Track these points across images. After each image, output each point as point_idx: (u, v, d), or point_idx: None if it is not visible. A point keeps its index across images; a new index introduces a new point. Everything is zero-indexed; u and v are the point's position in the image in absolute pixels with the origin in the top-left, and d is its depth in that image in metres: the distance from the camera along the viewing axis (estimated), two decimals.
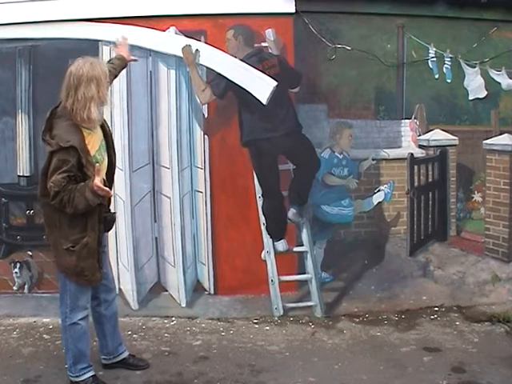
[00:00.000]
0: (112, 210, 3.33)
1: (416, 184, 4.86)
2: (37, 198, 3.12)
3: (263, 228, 4.46)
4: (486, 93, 4.80)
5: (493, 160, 4.81)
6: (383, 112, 4.81)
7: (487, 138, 4.83)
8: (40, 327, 4.13)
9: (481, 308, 4.48)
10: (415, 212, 4.87)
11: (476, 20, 4.67)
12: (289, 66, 4.43)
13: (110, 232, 3.34)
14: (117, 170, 4.28)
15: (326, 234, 4.74)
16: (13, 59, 4.51)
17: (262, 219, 4.46)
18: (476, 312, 4.41)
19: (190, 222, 4.60)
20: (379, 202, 4.80)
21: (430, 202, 4.97)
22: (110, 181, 3.20)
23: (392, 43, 4.69)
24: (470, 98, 4.82)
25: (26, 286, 4.58)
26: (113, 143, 3.22)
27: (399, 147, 4.88)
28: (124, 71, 4.24)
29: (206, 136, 4.55)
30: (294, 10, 4.35)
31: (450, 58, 4.72)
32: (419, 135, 4.87)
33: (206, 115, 4.55)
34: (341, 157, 4.68)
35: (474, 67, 4.76)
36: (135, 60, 3.73)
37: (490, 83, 4.78)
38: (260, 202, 4.46)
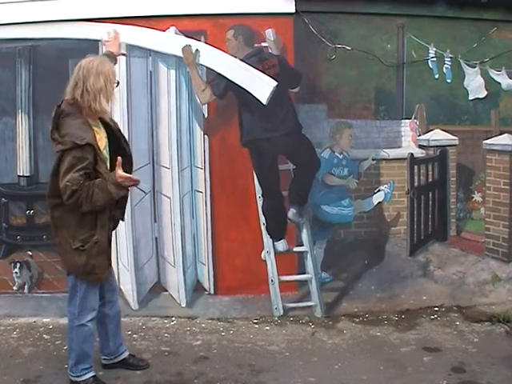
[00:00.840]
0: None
1: (416, 184, 4.86)
2: (40, 199, 3.11)
3: (263, 228, 4.46)
4: (485, 93, 4.80)
5: (493, 160, 4.81)
6: (383, 112, 4.81)
7: (487, 138, 4.83)
8: (40, 327, 4.13)
9: (481, 308, 4.48)
10: (415, 212, 4.87)
11: (476, 20, 4.68)
12: (289, 66, 4.42)
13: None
14: None
15: (326, 234, 4.74)
16: (13, 59, 4.51)
17: (262, 219, 4.46)
18: (476, 312, 4.41)
19: (190, 221, 4.60)
20: (379, 202, 4.80)
21: (430, 202, 4.97)
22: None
23: (392, 43, 4.69)
24: (470, 98, 4.82)
25: (25, 286, 4.58)
26: (125, 138, 3.25)
27: (399, 147, 4.88)
28: (124, 71, 4.27)
29: (205, 136, 4.55)
30: (294, 10, 4.35)
31: (450, 58, 4.72)
32: (419, 135, 4.87)
33: (205, 115, 4.55)
34: (341, 157, 4.68)
35: (474, 67, 4.76)
36: (124, 54, 3.74)
37: (490, 83, 4.78)
38: (260, 202, 4.46)
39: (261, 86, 4.15)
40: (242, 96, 4.26)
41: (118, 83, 3.16)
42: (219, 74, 4.26)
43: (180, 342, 3.94)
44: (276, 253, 4.45)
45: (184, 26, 4.35)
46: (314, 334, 4.10)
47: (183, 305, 4.50)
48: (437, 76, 4.75)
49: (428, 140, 4.87)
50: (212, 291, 4.62)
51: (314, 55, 4.56)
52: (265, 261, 4.48)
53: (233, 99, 4.37)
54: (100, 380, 3.26)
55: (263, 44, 4.44)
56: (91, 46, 4.17)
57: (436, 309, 4.49)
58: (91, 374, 3.22)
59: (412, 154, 4.83)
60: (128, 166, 3.18)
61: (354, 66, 4.61)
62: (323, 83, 4.64)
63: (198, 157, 4.58)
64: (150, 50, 4.40)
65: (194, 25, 4.37)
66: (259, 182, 4.43)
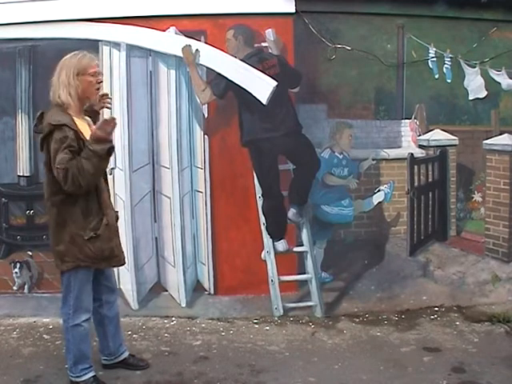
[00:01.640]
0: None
1: (416, 184, 4.86)
2: (40, 199, 3.11)
3: (263, 228, 4.46)
4: (485, 93, 4.80)
5: (493, 160, 4.81)
6: (383, 112, 4.81)
7: (487, 138, 4.83)
8: (40, 327, 4.13)
9: (481, 308, 4.47)
10: (415, 212, 4.87)
11: (476, 20, 4.68)
12: (289, 66, 4.42)
13: None
14: (117, 169, 4.33)
15: (326, 234, 4.74)
16: (13, 59, 4.52)
17: (262, 219, 4.46)
18: (476, 312, 4.41)
19: (189, 221, 4.60)
20: (379, 202, 4.80)
21: (430, 202, 4.97)
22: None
23: (392, 43, 4.69)
24: (470, 98, 4.82)
25: (25, 286, 4.58)
26: None
27: (399, 147, 4.88)
28: (124, 71, 4.27)
29: (206, 136, 4.55)
30: (294, 10, 4.35)
31: (450, 58, 4.73)
32: (419, 135, 4.87)
33: (206, 115, 4.55)
34: (341, 157, 4.68)
35: (474, 67, 4.76)
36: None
37: (490, 83, 4.78)
38: (260, 202, 4.46)
39: (261, 86, 4.15)
40: (242, 96, 4.25)
41: (100, 77, 3.13)
42: (219, 74, 4.26)
43: (180, 342, 3.94)
44: (276, 253, 4.45)
45: (184, 26, 4.35)
46: (314, 333, 4.10)
47: (183, 305, 4.50)
48: (437, 76, 4.75)
49: (428, 140, 4.87)
50: (212, 291, 4.62)
51: (314, 55, 4.56)
52: (265, 261, 4.48)
53: (233, 99, 4.37)
54: (100, 380, 3.26)
55: (263, 44, 4.44)
56: (91, 45, 4.16)
57: (436, 309, 4.48)
58: (91, 374, 3.22)
59: (412, 153, 4.83)
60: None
61: (354, 66, 4.61)
62: (323, 83, 4.64)
63: (198, 157, 4.58)
64: (150, 50, 4.40)
65: (194, 25, 4.37)
66: (259, 182, 4.43)
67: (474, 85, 4.79)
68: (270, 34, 4.39)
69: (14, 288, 4.56)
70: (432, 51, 4.70)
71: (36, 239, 4.55)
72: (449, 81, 4.77)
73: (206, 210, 4.57)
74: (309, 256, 4.49)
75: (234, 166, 4.49)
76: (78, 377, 3.19)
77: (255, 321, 4.29)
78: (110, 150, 2.94)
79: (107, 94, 3.38)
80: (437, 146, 4.90)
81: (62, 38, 4.25)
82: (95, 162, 2.88)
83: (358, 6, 4.48)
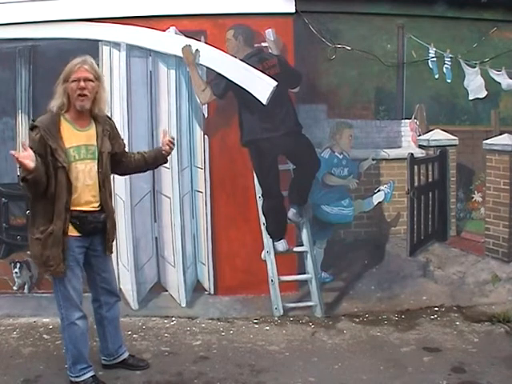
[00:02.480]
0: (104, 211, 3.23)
1: (416, 184, 4.86)
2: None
3: (263, 228, 4.46)
4: (485, 93, 4.80)
5: (493, 160, 4.81)
6: (383, 112, 4.81)
7: (487, 138, 4.83)
8: (40, 327, 4.13)
9: (481, 308, 4.47)
10: (415, 212, 4.87)
11: (476, 20, 4.67)
12: (289, 66, 4.42)
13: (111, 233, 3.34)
14: None
15: (326, 234, 4.74)
16: (13, 59, 4.51)
17: (262, 219, 4.46)
18: (476, 312, 4.41)
19: (189, 221, 4.60)
20: (379, 202, 4.80)
21: (430, 202, 4.97)
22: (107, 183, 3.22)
23: (392, 43, 4.69)
24: (470, 98, 4.82)
25: (25, 286, 4.58)
26: (101, 157, 3.19)
27: (399, 147, 4.88)
28: (124, 71, 4.27)
29: (205, 136, 4.55)
30: (294, 10, 4.35)
31: (450, 58, 4.72)
32: (419, 135, 4.87)
33: (206, 115, 4.55)
34: (341, 157, 4.68)
35: (474, 67, 4.76)
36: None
37: (490, 83, 4.78)
38: (260, 202, 4.46)
39: (261, 86, 4.15)
40: (242, 96, 4.26)
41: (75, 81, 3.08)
42: (219, 74, 4.26)
43: (180, 342, 3.94)
44: (276, 253, 4.45)
45: (184, 26, 4.35)
46: (314, 333, 4.10)
47: (183, 305, 4.50)
48: (437, 76, 4.75)
49: (428, 140, 4.87)
50: (212, 291, 4.62)
51: (314, 55, 4.56)
52: (265, 261, 4.48)
53: (233, 99, 4.37)
54: (100, 380, 3.26)
55: (263, 44, 4.44)
56: (91, 45, 4.18)
57: (436, 309, 4.48)
58: (90, 374, 3.22)
59: (412, 154, 4.83)
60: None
61: (354, 66, 4.61)
62: (323, 83, 4.64)
63: (198, 157, 4.58)
64: (150, 50, 4.40)
65: (194, 25, 4.37)
66: (259, 182, 4.43)
67: (474, 85, 4.79)
68: (270, 34, 4.39)
69: (14, 288, 4.57)
70: (432, 51, 4.69)
71: None
72: (449, 81, 4.77)
73: (206, 210, 4.57)
74: (309, 256, 4.49)
75: (234, 166, 4.49)
76: (77, 377, 3.20)
77: (255, 321, 4.29)
78: (24, 180, 2.94)
79: (173, 138, 3.38)
80: (437, 146, 4.89)
81: (62, 38, 4.25)
82: (19, 181, 2.98)
83: (358, 6, 4.48)
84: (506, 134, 4.78)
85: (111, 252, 3.33)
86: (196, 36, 4.37)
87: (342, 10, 4.49)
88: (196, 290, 4.65)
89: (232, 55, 4.33)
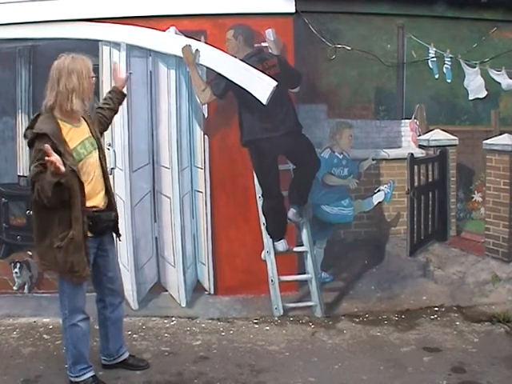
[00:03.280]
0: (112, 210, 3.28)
1: (416, 184, 4.86)
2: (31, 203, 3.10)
3: (263, 228, 4.46)
4: (485, 93, 4.80)
5: (493, 160, 4.81)
6: (383, 112, 4.81)
7: (487, 138, 4.83)
8: (40, 327, 4.13)
9: (481, 308, 4.47)
10: (415, 212, 4.87)
11: (476, 20, 4.67)
12: (289, 66, 4.42)
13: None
14: (117, 169, 4.33)
15: (326, 234, 4.74)
16: (13, 59, 4.51)
17: (262, 219, 4.46)
18: (476, 312, 4.41)
19: (189, 221, 4.60)
20: (379, 202, 4.80)
21: (430, 202, 4.97)
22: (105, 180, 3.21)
23: (392, 43, 4.69)
24: (470, 98, 4.82)
25: (25, 286, 4.58)
26: (99, 144, 3.21)
27: (399, 147, 4.88)
28: (124, 71, 4.26)
29: (205, 136, 4.55)
30: (294, 10, 4.35)
31: (450, 58, 4.72)
32: (419, 135, 4.87)
33: (206, 115, 4.55)
34: (341, 157, 4.68)
35: (474, 67, 4.76)
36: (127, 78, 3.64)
37: (490, 83, 4.78)
38: (260, 202, 4.46)
39: (261, 86, 4.15)
40: (242, 96, 4.25)
41: (93, 77, 3.12)
42: (219, 74, 4.26)
43: (180, 342, 3.94)
44: (276, 253, 4.45)
45: (184, 26, 4.35)
46: (314, 333, 4.10)
47: (183, 305, 4.50)
48: (437, 76, 4.75)
49: (428, 140, 4.87)
50: (212, 291, 4.62)
51: (314, 55, 4.56)
52: (265, 261, 4.47)
53: (233, 99, 4.36)
54: (100, 380, 3.26)
55: (263, 44, 4.44)
56: (91, 45, 4.18)
57: (436, 309, 4.48)
58: (90, 374, 3.22)
59: (412, 154, 4.83)
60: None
61: (354, 66, 4.61)
62: (323, 83, 4.64)
63: (198, 157, 4.58)
64: (150, 50, 4.40)
65: (194, 25, 4.37)
66: (259, 182, 4.43)
67: (474, 85, 4.79)
68: (270, 34, 4.39)
69: (14, 288, 4.57)
70: (432, 51, 4.69)
71: None
72: (449, 81, 4.77)
73: (206, 210, 4.57)
74: (309, 256, 4.49)
75: (234, 165, 4.49)
76: (77, 377, 3.20)
77: (255, 321, 4.29)
78: (58, 184, 2.88)
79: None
80: (437, 146, 4.89)
81: (61, 38, 4.24)
82: (49, 186, 2.85)
83: (358, 6, 4.48)
84: (506, 134, 4.78)
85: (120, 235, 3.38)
86: (196, 36, 4.37)
87: (342, 10, 4.49)
88: (196, 290, 4.65)
89: (232, 55, 4.33)
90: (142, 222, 4.52)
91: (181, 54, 4.28)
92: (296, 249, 4.54)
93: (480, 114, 4.88)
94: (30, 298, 4.54)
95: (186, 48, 4.26)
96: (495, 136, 4.83)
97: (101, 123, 3.36)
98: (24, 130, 3.07)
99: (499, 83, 4.81)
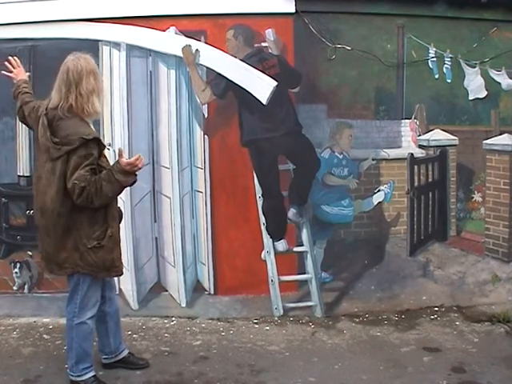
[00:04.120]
0: None
1: (416, 184, 4.86)
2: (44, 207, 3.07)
3: (263, 228, 4.46)
4: (485, 93, 4.80)
5: (493, 160, 4.81)
6: (383, 112, 4.81)
7: (487, 138, 4.83)
8: (40, 327, 4.13)
9: (481, 308, 4.48)
10: (415, 212, 4.87)
11: (476, 20, 4.67)
12: (289, 66, 4.42)
13: None
14: None
15: (326, 234, 4.74)
16: None
17: (262, 219, 4.46)
18: (476, 312, 4.41)
19: (189, 221, 4.60)
20: (379, 202, 4.80)
21: (430, 202, 4.97)
22: None
23: (392, 43, 4.69)
24: (470, 98, 4.82)
25: (25, 286, 4.58)
26: None
27: (399, 147, 4.88)
28: (124, 71, 4.27)
29: (205, 136, 4.55)
30: (294, 10, 4.35)
31: (450, 58, 4.72)
32: (419, 135, 4.87)
33: (206, 115, 4.55)
34: (341, 157, 4.68)
35: (474, 67, 4.76)
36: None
37: (490, 83, 4.78)
38: (260, 202, 4.46)
39: (261, 86, 4.15)
40: (242, 96, 4.26)
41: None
42: (219, 74, 4.26)
43: (180, 341, 3.94)
44: (276, 253, 4.45)
45: (184, 26, 4.35)
46: (314, 333, 4.10)
47: (183, 305, 4.50)
48: (437, 76, 4.75)
49: (428, 140, 4.87)
50: (212, 291, 4.62)
51: (314, 55, 4.56)
52: (265, 261, 4.48)
53: (233, 99, 4.37)
54: (100, 380, 3.26)
55: (263, 44, 4.44)
56: (91, 45, 4.17)
57: (436, 309, 4.49)
58: (91, 374, 3.22)
59: (412, 154, 4.83)
60: None
61: (354, 66, 4.61)
62: (323, 83, 4.64)
63: (198, 157, 4.58)
64: (150, 50, 4.40)
65: (194, 25, 4.37)
66: (259, 182, 4.43)
67: (474, 85, 4.79)
68: (270, 34, 4.39)
69: (14, 288, 4.56)
70: (432, 51, 4.69)
71: (36, 239, 4.53)
72: (449, 81, 4.77)
73: (206, 210, 4.57)
74: (309, 256, 4.49)
75: (234, 166, 4.49)
76: (78, 376, 3.19)
77: (255, 321, 4.29)
78: (133, 183, 2.99)
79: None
80: (437, 146, 4.89)
81: (62, 37, 4.25)
82: (115, 187, 2.92)
83: (358, 6, 4.48)
84: (506, 134, 4.78)
85: None
86: (196, 36, 4.37)
87: (342, 9, 4.49)
88: (196, 290, 4.65)
89: (232, 55, 4.33)
90: (142, 222, 4.52)
91: (181, 54, 4.28)
92: (296, 249, 4.54)
93: (480, 113, 4.88)
94: (29, 298, 4.54)
95: (186, 48, 4.26)
96: (495, 136, 4.84)
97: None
98: (47, 137, 2.97)
99: (499, 83, 4.81)
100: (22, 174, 4.62)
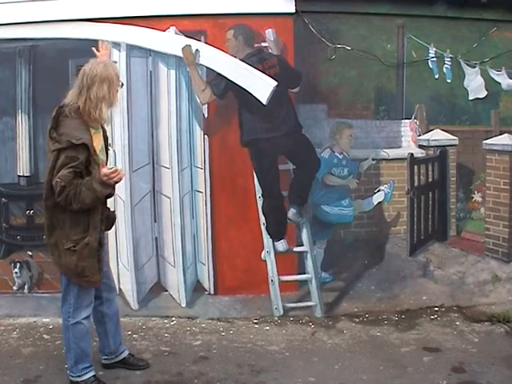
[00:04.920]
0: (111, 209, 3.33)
1: (416, 184, 4.86)
2: (40, 199, 3.11)
3: (263, 228, 4.46)
4: (485, 93, 4.80)
5: (493, 160, 4.81)
6: (383, 112, 4.81)
7: (487, 138, 4.83)
8: (40, 327, 4.13)
9: (481, 308, 4.48)
10: (415, 212, 4.87)
11: (476, 20, 4.68)
12: (289, 66, 4.42)
13: (109, 231, 3.37)
14: None
15: (326, 234, 4.74)
16: (13, 59, 4.51)
17: (262, 219, 4.46)
18: (476, 312, 4.41)
19: (189, 221, 4.60)
20: (379, 202, 4.80)
21: (430, 202, 4.97)
22: None
23: (392, 43, 4.69)
24: (470, 98, 4.82)
25: (25, 286, 4.58)
26: (107, 146, 3.27)
27: (399, 147, 4.88)
28: (124, 71, 4.27)
29: (205, 136, 4.55)
30: (293, 10, 4.35)
31: (450, 58, 4.73)
32: (419, 135, 4.87)
33: (206, 115, 4.55)
34: (341, 157, 4.68)
35: (474, 67, 4.76)
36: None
37: (490, 83, 4.78)
38: (260, 202, 4.46)
39: (261, 86, 4.15)
40: (242, 96, 4.26)
41: (123, 84, 3.17)
42: (219, 74, 4.26)
43: (180, 341, 3.94)
44: (276, 253, 4.45)
45: (184, 26, 4.35)
46: (314, 333, 4.10)
47: (183, 305, 4.50)
48: (437, 76, 4.75)
49: (428, 140, 4.87)
50: (212, 291, 4.62)
51: (313, 55, 4.56)
52: (265, 261, 4.48)
53: (233, 99, 4.37)
54: (100, 380, 3.26)
55: (263, 44, 4.44)
56: (91, 45, 4.16)
57: (436, 309, 4.49)
58: (91, 374, 3.22)
59: (412, 154, 4.83)
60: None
61: (354, 66, 4.61)
62: (323, 83, 4.64)
63: (197, 157, 4.58)
64: (150, 50, 4.40)
65: (194, 25, 4.37)
66: (259, 182, 4.43)
67: (474, 85, 4.79)
68: (270, 34, 4.39)
69: (14, 288, 4.57)
70: (432, 51, 4.69)
71: (36, 239, 4.54)
72: (449, 81, 4.77)
73: (206, 210, 4.57)
74: (309, 256, 4.49)
75: (233, 165, 4.50)
76: (78, 376, 3.19)
77: (255, 321, 4.29)
78: (109, 196, 3.00)
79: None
80: (437, 146, 4.90)
81: (62, 38, 4.25)
82: (92, 196, 2.93)
83: (358, 6, 4.48)
84: (506, 134, 4.78)
85: None
86: (196, 36, 4.37)
87: (341, 10, 4.50)
88: (196, 290, 4.65)
89: (232, 55, 4.33)
90: (142, 222, 4.52)
91: (181, 54, 4.28)
92: (296, 249, 4.54)
93: (480, 114, 4.88)
94: (29, 298, 4.54)
95: (186, 48, 4.26)
96: (495, 136, 4.84)
97: None
98: (49, 129, 3.02)
99: (499, 83, 4.81)
100: (22, 174, 4.62)
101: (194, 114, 4.56)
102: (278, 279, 4.43)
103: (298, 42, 4.45)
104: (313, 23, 4.46)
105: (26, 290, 4.58)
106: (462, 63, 4.74)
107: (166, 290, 4.62)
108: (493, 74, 4.79)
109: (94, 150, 3.01)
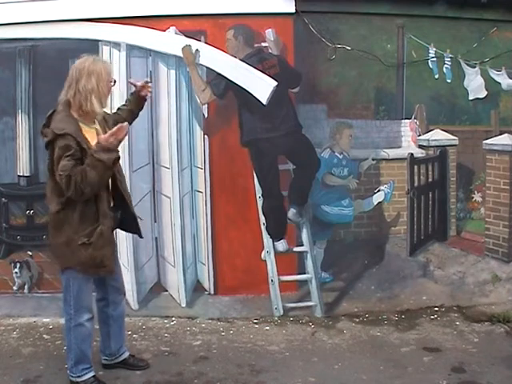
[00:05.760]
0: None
1: (416, 184, 4.86)
2: (39, 199, 3.11)
3: (263, 228, 4.46)
4: (485, 93, 4.80)
5: (493, 160, 4.81)
6: (383, 112, 4.82)
7: (487, 138, 4.83)
8: (40, 327, 4.13)
9: (481, 308, 4.47)
10: (415, 212, 4.87)
11: (476, 20, 4.68)
12: (289, 66, 4.42)
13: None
14: None
15: (326, 234, 4.74)
16: (13, 59, 4.52)
17: (262, 219, 4.46)
18: (476, 312, 4.41)
19: (189, 221, 4.60)
20: (379, 202, 4.80)
21: (430, 202, 4.97)
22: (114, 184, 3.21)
23: (392, 43, 4.69)
24: (470, 98, 4.83)
25: (25, 286, 4.58)
26: None
27: (399, 147, 4.88)
28: (124, 71, 4.27)
29: (205, 136, 4.55)
30: (293, 10, 4.35)
31: (450, 58, 4.73)
32: (419, 135, 4.87)
33: (206, 115, 4.55)
34: (341, 157, 4.68)
35: (474, 67, 4.77)
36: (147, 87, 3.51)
37: (490, 83, 4.79)
38: (260, 202, 4.46)
39: (261, 86, 4.15)
40: (242, 96, 4.25)
41: (115, 81, 3.14)
42: (219, 74, 4.26)
43: (180, 341, 3.94)
44: (276, 253, 4.45)
45: (184, 26, 4.35)
46: (314, 333, 4.10)
47: (183, 305, 4.50)
48: (437, 76, 4.75)
49: (428, 140, 4.88)
50: (212, 291, 4.62)
51: (313, 55, 4.56)
52: (265, 261, 4.47)
53: (233, 99, 4.37)
54: (100, 380, 3.26)
55: (263, 44, 4.44)
56: (91, 45, 4.17)
57: (436, 309, 4.48)
58: (91, 374, 3.22)
59: (412, 154, 4.83)
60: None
61: (354, 66, 4.62)
62: (323, 83, 4.64)
63: (197, 157, 4.58)
64: (150, 50, 4.40)
65: (194, 25, 4.38)
66: (259, 182, 4.43)
67: (474, 85, 4.79)
68: (270, 34, 4.39)
69: (14, 288, 4.57)
70: (432, 51, 4.70)
71: (36, 239, 4.54)
72: (449, 81, 4.77)
73: (206, 210, 4.57)
74: (309, 256, 4.49)
75: (233, 166, 4.50)
76: (78, 377, 3.19)
77: (255, 321, 4.29)
78: (116, 160, 2.95)
79: (149, 80, 3.45)
80: (437, 146, 4.90)
81: (62, 38, 4.25)
82: (100, 170, 2.87)
83: (358, 6, 4.49)
84: (506, 134, 4.78)
85: None
86: (196, 36, 4.37)
87: (341, 10, 4.50)
88: (196, 290, 4.65)
89: (232, 55, 4.33)
90: (142, 222, 4.50)
91: (181, 54, 4.28)
92: (296, 249, 4.54)
93: (480, 114, 4.89)
94: (29, 298, 4.54)
95: (186, 48, 4.26)
96: (495, 136, 4.84)
97: (117, 123, 3.34)
98: (41, 127, 3.03)
99: (499, 83, 4.82)
100: (22, 174, 4.63)
101: (194, 114, 4.56)
102: (278, 279, 4.43)
103: (298, 41, 4.45)
104: (313, 23, 4.46)
105: (26, 290, 4.58)
106: (462, 63, 4.75)
107: (166, 290, 4.62)
108: (493, 74, 4.79)
109: (88, 141, 2.97)
